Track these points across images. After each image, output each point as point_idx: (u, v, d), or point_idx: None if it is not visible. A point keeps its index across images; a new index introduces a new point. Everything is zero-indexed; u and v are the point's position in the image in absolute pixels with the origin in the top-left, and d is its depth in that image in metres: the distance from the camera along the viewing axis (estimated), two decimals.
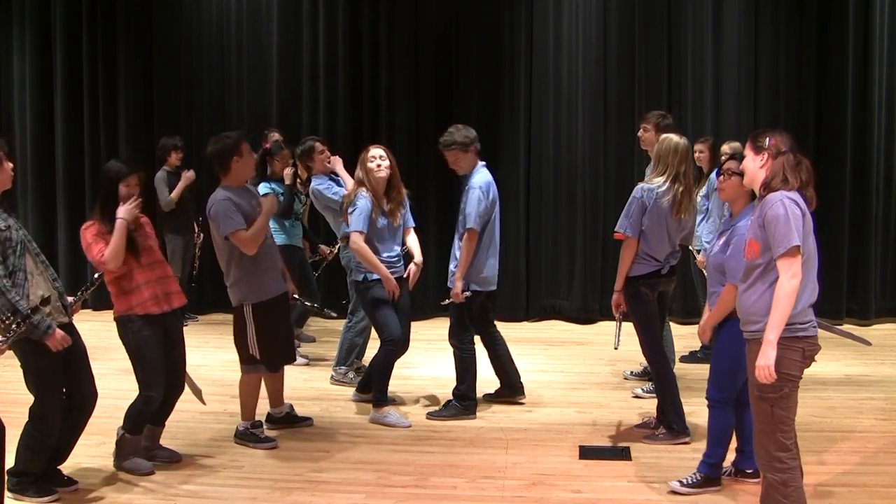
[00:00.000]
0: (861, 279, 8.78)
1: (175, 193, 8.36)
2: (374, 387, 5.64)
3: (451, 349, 5.79)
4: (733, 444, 4.54)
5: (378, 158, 5.52)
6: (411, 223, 5.82)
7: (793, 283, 3.44)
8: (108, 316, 4.71)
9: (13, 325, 3.95)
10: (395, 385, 6.08)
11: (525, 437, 5.33)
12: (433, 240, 8.77)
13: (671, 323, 6.42)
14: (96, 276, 4.41)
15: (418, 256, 5.72)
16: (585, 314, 8.95)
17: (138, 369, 4.63)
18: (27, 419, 4.26)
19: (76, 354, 4.38)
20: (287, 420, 5.45)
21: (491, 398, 6.03)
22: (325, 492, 4.50)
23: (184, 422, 5.38)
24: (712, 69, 8.82)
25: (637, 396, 6.13)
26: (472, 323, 5.75)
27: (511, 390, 6.02)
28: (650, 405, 5.68)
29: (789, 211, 3.47)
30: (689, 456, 4.94)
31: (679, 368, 6.41)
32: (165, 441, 4.94)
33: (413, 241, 5.80)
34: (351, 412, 5.86)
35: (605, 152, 8.99)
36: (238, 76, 9.46)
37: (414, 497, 4.43)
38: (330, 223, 6.57)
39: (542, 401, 6.10)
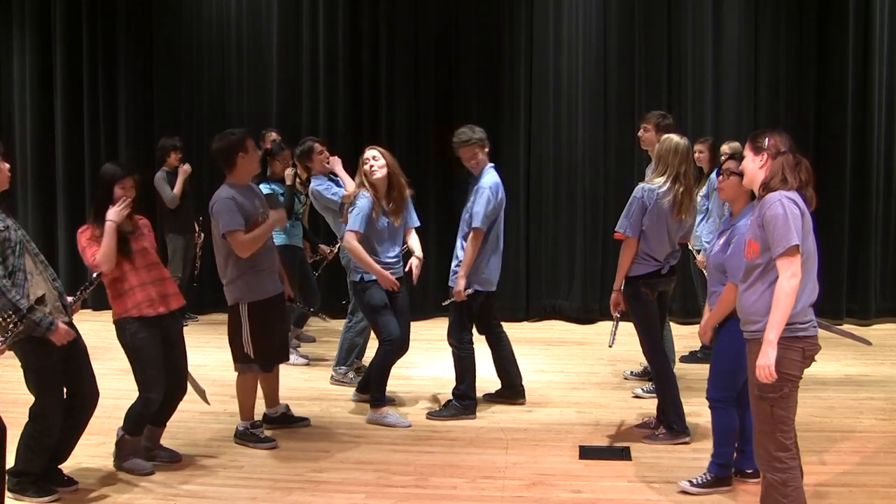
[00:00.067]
0: (861, 279, 8.78)
1: (177, 189, 8.39)
2: (372, 387, 5.64)
3: (450, 349, 5.79)
4: None
5: (372, 160, 5.52)
6: (414, 223, 5.81)
7: (792, 283, 3.44)
8: (108, 316, 4.71)
9: (12, 325, 3.95)
10: (395, 385, 6.09)
11: (525, 437, 5.33)
12: (433, 240, 8.77)
13: (671, 323, 6.42)
14: (94, 275, 4.42)
15: (419, 251, 5.72)
16: (585, 314, 8.95)
17: (137, 371, 4.63)
18: (27, 419, 4.27)
19: (76, 354, 4.38)
20: (283, 420, 5.45)
21: (491, 398, 6.03)
22: (325, 492, 4.50)
23: (184, 422, 5.38)
24: (712, 69, 8.82)
25: (637, 396, 6.13)
26: (472, 323, 5.76)
27: (511, 392, 6.02)
28: (650, 405, 5.67)
29: (788, 210, 3.48)
30: (689, 456, 4.95)
31: (679, 368, 6.41)
32: (165, 441, 4.94)
33: (414, 240, 5.80)
34: (351, 412, 5.86)
35: (605, 152, 8.99)
36: (238, 76, 9.46)
37: (414, 497, 4.43)
38: (329, 223, 6.57)
39: (542, 401, 6.10)
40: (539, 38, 9.05)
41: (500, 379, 6.05)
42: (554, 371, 6.98)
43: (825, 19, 8.73)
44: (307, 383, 6.58)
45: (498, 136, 8.95)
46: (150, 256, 4.67)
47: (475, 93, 9.12)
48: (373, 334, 5.87)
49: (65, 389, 4.38)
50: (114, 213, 4.47)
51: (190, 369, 4.97)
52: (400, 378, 6.23)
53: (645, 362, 6.09)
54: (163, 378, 4.64)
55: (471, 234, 5.56)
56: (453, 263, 5.73)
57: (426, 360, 7.05)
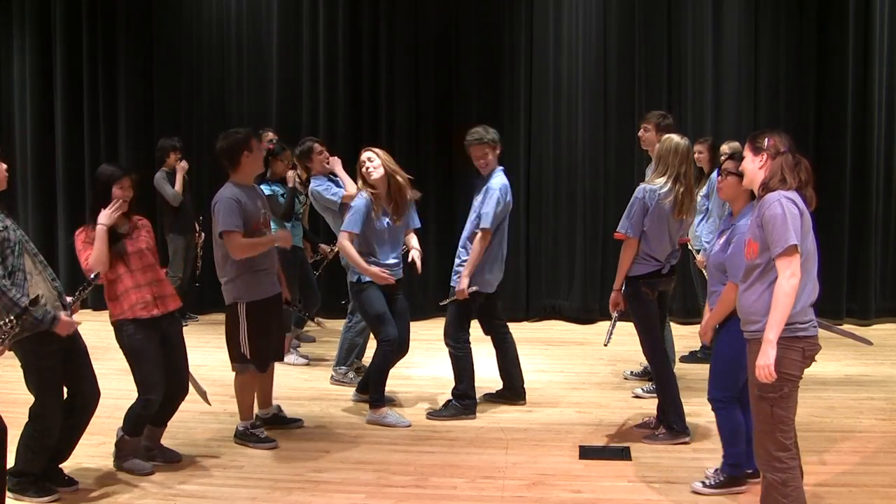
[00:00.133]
0: (861, 279, 8.78)
1: (178, 186, 8.41)
2: (370, 388, 5.64)
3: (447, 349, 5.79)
4: None
5: (367, 161, 5.53)
6: (415, 225, 5.82)
7: (791, 283, 3.44)
8: (108, 316, 4.71)
9: (10, 325, 3.96)
10: (395, 385, 6.09)
11: (525, 437, 5.33)
12: (433, 240, 8.78)
13: (671, 323, 6.42)
14: (92, 276, 4.42)
15: (416, 244, 5.74)
16: (585, 314, 8.95)
17: (135, 372, 4.63)
18: (27, 419, 4.27)
19: (76, 354, 4.39)
20: (275, 421, 5.42)
21: (491, 398, 6.03)
22: (325, 492, 4.50)
23: (183, 422, 5.38)
24: (712, 69, 8.82)
25: (637, 396, 6.13)
26: (469, 323, 5.76)
27: (512, 393, 6.02)
28: (650, 405, 5.67)
29: (787, 210, 3.48)
30: (689, 456, 4.95)
31: (679, 368, 6.41)
32: (165, 441, 4.94)
33: (413, 239, 5.81)
34: (351, 412, 5.86)
35: (605, 152, 8.99)
36: (238, 76, 9.46)
37: (414, 497, 4.43)
38: (329, 223, 6.57)
39: (542, 401, 6.10)
40: (539, 38, 9.05)
41: (502, 379, 6.05)
42: (554, 371, 6.98)
43: (825, 19, 8.73)
44: (307, 383, 6.58)
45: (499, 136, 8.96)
46: (147, 258, 4.65)
47: (475, 93, 9.12)
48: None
49: (65, 389, 4.39)
50: (105, 217, 4.47)
51: (191, 370, 4.97)
52: (400, 378, 6.23)
53: (645, 362, 6.09)
54: (162, 379, 4.63)
55: (479, 235, 5.57)
56: (456, 262, 5.73)
57: (426, 360, 7.05)
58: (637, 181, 6.46)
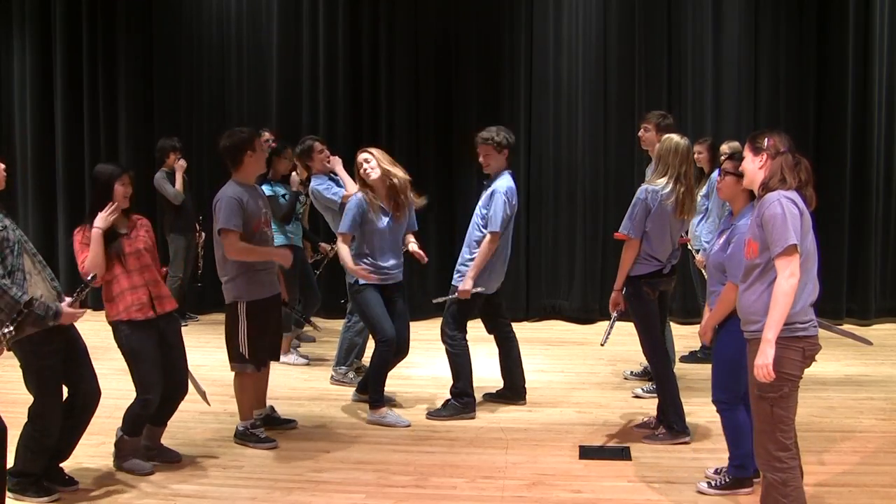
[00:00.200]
0: (861, 279, 8.78)
1: (178, 185, 8.42)
2: (369, 388, 5.64)
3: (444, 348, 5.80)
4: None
5: (364, 163, 5.54)
6: (413, 227, 5.82)
7: (791, 282, 3.44)
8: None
9: (11, 325, 3.97)
10: (395, 385, 6.09)
11: (525, 437, 5.33)
12: (433, 240, 8.77)
13: (671, 323, 6.42)
14: (89, 277, 4.41)
15: (416, 246, 5.75)
16: (585, 314, 8.95)
17: (134, 372, 4.63)
18: (27, 419, 4.26)
19: (76, 354, 4.39)
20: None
21: (491, 398, 6.03)
22: (325, 492, 4.50)
23: (183, 422, 5.38)
24: (712, 69, 8.82)
25: (637, 396, 6.13)
26: (466, 322, 5.77)
27: (513, 393, 6.02)
28: (650, 405, 5.68)
29: (786, 210, 3.48)
30: (689, 456, 4.95)
31: (679, 368, 6.41)
32: (164, 441, 4.94)
33: (412, 240, 5.81)
34: (351, 412, 5.86)
35: (605, 152, 8.99)
36: (238, 76, 9.46)
37: (414, 497, 4.43)
38: (329, 223, 6.57)
39: (542, 401, 6.09)
40: (539, 38, 9.05)
41: (504, 379, 6.05)
42: (554, 371, 6.98)
43: (825, 19, 8.73)
44: (307, 383, 6.58)
45: None
46: (145, 258, 4.64)
47: (475, 93, 9.12)
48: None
49: (66, 389, 4.39)
50: (100, 220, 4.46)
51: (191, 369, 4.98)
52: (400, 378, 6.23)
53: (645, 362, 6.09)
54: (160, 379, 4.63)
55: (487, 237, 5.58)
56: (459, 261, 5.73)
57: (426, 360, 7.05)
58: (637, 181, 6.47)
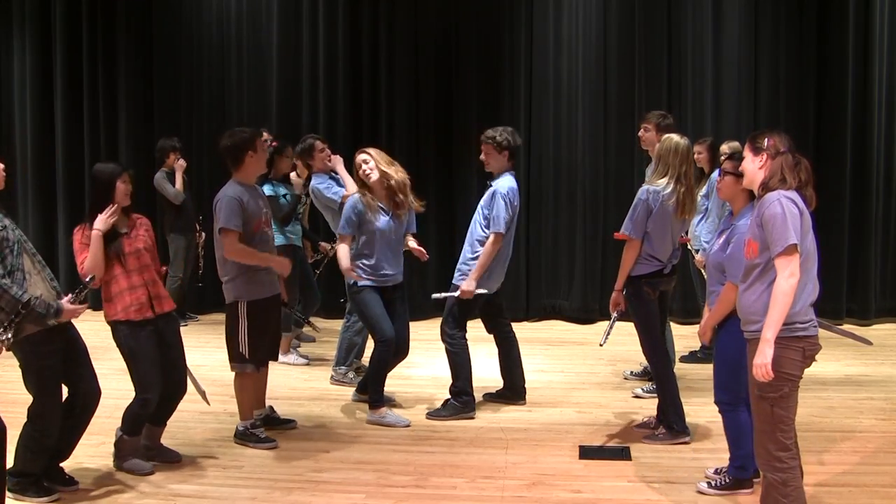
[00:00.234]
0: (861, 279, 8.78)
1: (178, 184, 8.42)
2: (369, 388, 5.65)
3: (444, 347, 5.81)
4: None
5: (363, 164, 5.54)
6: (412, 229, 5.82)
7: (791, 282, 3.44)
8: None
9: (11, 323, 3.98)
10: (395, 385, 6.09)
11: (525, 437, 5.33)
12: (433, 240, 8.76)
13: (671, 323, 6.42)
14: (88, 279, 4.40)
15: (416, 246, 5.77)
16: (585, 314, 8.95)
17: (132, 372, 4.62)
18: (26, 419, 4.26)
19: (76, 354, 4.39)
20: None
21: (491, 398, 6.03)
22: (325, 492, 4.50)
23: (183, 422, 5.38)
24: (712, 69, 8.82)
25: (637, 396, 6.13)
26: (466, 321, 5.77)
27: (513, 393, 6.02)
28: (650, 405, 5.68)
29: (786, 210, 3.48)
30: (689, 456, 4.95)
31: (679, 368, 6.41)
32: (164, 441, 4.93)
33: (411, 241, 5.81)
34: (351, 412, 5.86)
35: (605, 152, 8.99)
36: (238, 76, 9.46)
37: (414, 497, 4.43)
38: (329, 222, 6.57)
39: (542, 401, 6.09)
40: (539, 38, 9.05)
41: (503, 379, 6.05)
42: (554, 371, 6.98)
43: (825, 19, 8.73)
44: (307, 383, 6.58)
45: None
46: (144, 258, 4.64)
47: (475, 93, 9.12)
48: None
49: (66, 389, 4.39)
50: (100, 223, 4.45)
51: (191, 369, 4.98)
52: (400, 378, 6.23)
53: (645, 362, 6.09)
54: (159, 378, 4.63)
55: (491, 238, 5.58)
56: (460, 259, 5.73)
57: (426, 360, 7.05)
58: (637, 181, 6.47)
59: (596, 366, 7.09)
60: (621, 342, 5.56)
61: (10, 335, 3.98)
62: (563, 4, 9.00)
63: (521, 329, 8.43)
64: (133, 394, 4.67)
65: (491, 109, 9.02)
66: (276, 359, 5.53)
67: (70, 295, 4.28)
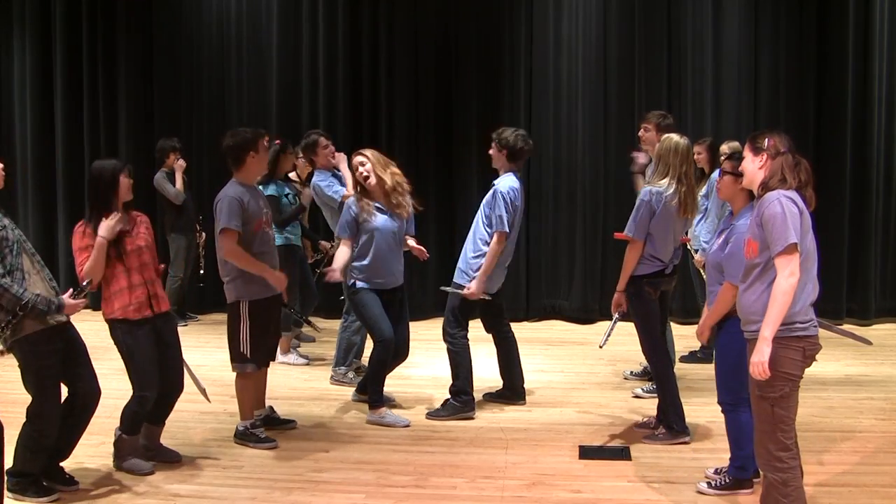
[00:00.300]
0: (861, 279, 8.78)
1: (178, 184, 8.43)
2: (368, 388, 5.65)
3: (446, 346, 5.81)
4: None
5: (360, 166, 5.53)
6: (411, 232, 5.81)
7: (790, 281, 3.44)
8: None
9: (9, 323, 3.99)
10: (395, 385, 6.09)
11: (525, 437, 5.33)
12: (433, 240, 8.76)
13: (671, 323, 6.42)
14: (85, 283, 4.39)
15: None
16: (585, 314, 8.95)
17: (130, 369, 4.62)
18: (25, 419, 4.27)
19: (75, 353, 4.39)
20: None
21: (491, 398, 6.03)
22: (325, 492, 4.50)
23: (183, 422, 5.38)
24: (712, 68, 8.82)
25: (637, 396, 6.13)
26: (467, 321, 5.77)
27: (512, 393, 6.02)
28: (650, 405, 5.68)
29: (786, 209, 3.48)
30: (689, 456, 4.95)
31: (679, 368, 6.41)
32: (164, 441, 4.93)
33: (411, 242, 5.81)
34: (351, 412, 5.86)
35: (605, 152, 8.99)
36: (238, 76, 9.46)
37: (414, 497, 4.43)
38: (327, 219, 6.56)
39: (542, 401, 6.09)
40: (539, 38, 9.05)
41: (503, 379, 6.05)
42: (554, 371, 6.98)
43: (825, 16, 8.73)
44: (307, 383, 6.58)
45: None
46: (145, 256, 4.64)
47: (475, 93, 9.12)
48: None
49: (66, 389, 4.38)
50: (106, 230, 4.44)
51: (192, 367, 4.97)
52: (399, 378, 6.23)
53: (645, 362, 6.09)
54: (156, 376, 4.63)
55: (494, 238, 5.58)
56: (462, 257, 5.73)
57: (426, 360, 7.05)
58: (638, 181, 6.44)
59: (596, 366, 7.09)
60: (621, 342, 5.56)
61: (7, 334, 3.99)
62: (563, 4, 9.00)
63: (521, 329, 8.44)
64: (132, 393, 4.67)
65: (491, 109, 9.02)
66: (274, 359, 5.54)
67: (71, 290, 4.28)
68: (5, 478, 3.84)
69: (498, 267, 5.73)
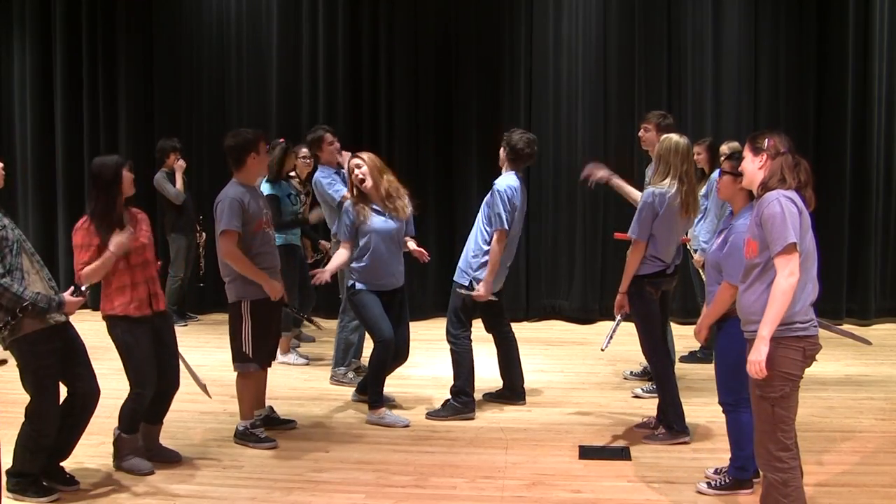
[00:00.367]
0: (861, 279, 8.78)
1: (178, 184, 8.44)
2: (368, 388, 5.65)
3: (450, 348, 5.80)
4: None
5: (356, 168, 5.52)
6: (411, 233, 5.81)
7: (790, 281, 3.44)
8: None
9: (7, 323, 3.99)
10: (395, 385, 6.09)
11: (525, 437, 5.33)
12: (433, 240, 8.77)
13: (671, 323, 6.41)
14: (84, 287, 4.38)
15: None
16: (585, 314, 8.96)
17: (127, 366, 4.61)
18: (24, 419, 4.27)
19: (74, 353, 4.38)
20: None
21: (491, 398, 6.03)
22: (325, 492, 4.50)
23: (183, 422, 5.38)
24: (712, 69, 8.82)
25: (637, 396, 6.13)
26: (470, 320, 5.77)
27: (512, 394, 6.01)
28: (650, 405, 5.67)
29: (785, 209, 3.48)
30: (689, 456, 4.95)
31: (679, 368, 6.41)
32: (164, 441, 4.93)
33: (411, 243, 5.80)
34: (351, 412, 5.86)
35: (605, 152, 8.97)
36: (238, 76, 9.46)
37: (414, 497, 4.43)
38: (325, 217, 6.56)
39: (542, 401, 6.10)
40: (539, 38, 9.05)
41: (503, 379, 6.05)
42: (554, 371, 6.98)
43: (825, 16, 8.73)
44: (307, 383, 6.58)
45: (498, 136, 8.89)
46: (147, 254, 4.64)
47: (475, 93, 9.12)
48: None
49: (65, 388, 4.38)
50: (118, 246, 4.43)
51: (191, 364, 4.97)
52: (399, 378, 6.23)
53: (645, 362, 6.09)
54: (153, 374, 4.63)
55: (495, 236, 5.58)
56: (463, 256, 5.73)
57: (426, 360, 7.05)
58: (637, 181, 6.46)
59: (596, 366, 7.09)
60: (621, 342, 5.55)
61: (6, 334, 3.99)
62: (563, 4, 9.00)
63: (521, 329, 8.44)
64: (129, 391, 4.66)
65: (491, 109, 9.02)
66: (274, 358, 5.54)
67: (72, 288, 4.28)
68: (4, 478, 3.84)
69: (500, 266, 5.73)
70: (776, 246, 3.46)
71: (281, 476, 4.71)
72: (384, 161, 5.71)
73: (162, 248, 8.08)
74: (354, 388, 6.12)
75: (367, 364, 6.02)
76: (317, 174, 6.45)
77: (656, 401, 5.38)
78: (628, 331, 5.46)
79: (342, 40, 9.18)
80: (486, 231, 5.64)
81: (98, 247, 4.44)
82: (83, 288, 4.30)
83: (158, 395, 4.70)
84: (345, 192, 6.19)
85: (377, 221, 5.49)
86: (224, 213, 4.92)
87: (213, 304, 8.93)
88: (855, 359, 7.11)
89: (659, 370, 5.26)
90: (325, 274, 5.44)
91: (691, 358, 7.00)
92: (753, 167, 3.71)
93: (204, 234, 8.42)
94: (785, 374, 3.50)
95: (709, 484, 4.44)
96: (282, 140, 7.03)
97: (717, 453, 4.83)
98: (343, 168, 6.39)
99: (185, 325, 8.58)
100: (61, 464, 4.48)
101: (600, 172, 5.99)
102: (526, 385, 6.07)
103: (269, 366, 5.31)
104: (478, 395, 5.88)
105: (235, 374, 5.18)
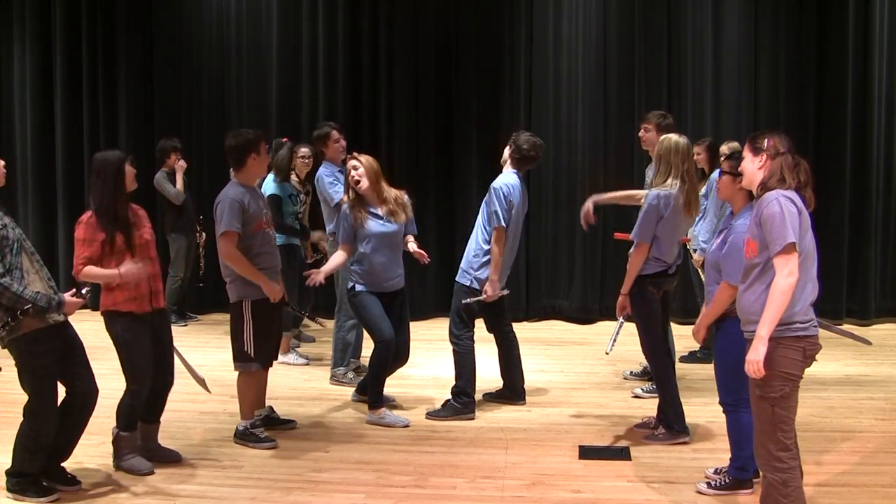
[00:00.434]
0: (861, 279, 8.78)
1: (179, 184, 8.45)
2: (368, 389, 5.65)
3: (451, 348, 5.80)
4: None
5: (353, 170, 5.52)
6: (413, 231, 5.81)
7: (789, 281, 3.44)
8: None
9: (6, 323, 3.99)
10: (395, 385, 6.09)
11: (525, 437, 5.33)
12: (433, 240, 8.77)
13: (671, 323, 6.41)
14: (85, 290, 4.37)
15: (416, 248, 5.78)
16: (585, 314, 8.96)
17: (124, 362, 4.61)
18: (23, 418, 4.27)
19: (73, 353, 4.38)
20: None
21: (491, 398, 6.03)
22: (325, 492, 4.50)
23: (183, 422, 5.39)
24: (712, 69, 8.83)
25: (637, 396, 6.13)
26: (472, 320, 5.77)
27: (512, 394, 6.01)
28: (650, 405, 5.67)
29: (785, 209, 3.48)
30: (689, 456, 4.95)
31: (679, 368, 6.39)
32: (164, 441, 4.93)
33: (410, 240, 5.80)
34: (351, 412, 5.86)
35: (605, 152, 8.99)
36: (238, 76, 9.46)
37: (414, 497, 4.43)
38: (324, 215, 6.56)
39: (542, 401, 6.10)
40: (539, 38, 9.05)
41: (503, 378, 6.05)
42: (554, 371, 6.98)
43: (825, 16, 8.73)
44: (307, 383, 6.58)
45: (498, 136, 8.93)
46: (150, 251, 4.65)
47: (475, 92, 9.12)
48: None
49: (64, 388, 4.38)
50: (128, 275, 4.43)
51: (190, 361, 4.97)
52: (400, 378, 6.22)
53: (645, 362, 6.09)
54: (149, 371, 4.62)
55: (493, 235, 5.58)
56: (465, 255, 5.73)
57: (426, 361, 7.05)
58: (637, 181, 6.46)
59: (596, 366, 7.09)
60: (622, 342, 5.54)
61: (5, 333, 3.98)
62: (563, 4, 9.00)
63: (521, 329, 8.42)
64: (125, 388, 4.66)
65: (491, 109, 9.02)
66: (276, 357, 5.55)
67: (74, 290, 4.28)
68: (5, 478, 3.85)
69: (504, 263, 5.72)
70: (775, 246, 3.46)
71: (281, 476, 4.71)
72: (380, 165, 5.69)
73: (162, 248, 8.06)
74: (354, 389, 6.12)
75: (366, 364, 6.02)
76: (320, 170, 6.43)
77: (656, 401, 5.38)
78: (629, 331, 5.45)
79: (342, 40, 9.18)
80: (487, 230, 5.65)
81: (102, 242, 4.43)
82: (84, 290, 4.30)
83: (154, 392, 4.70)
84: (343, 195, 6.18)
85: (375, 225, 5.48)
86: (224, 213, 4.92)
87: (213, 304, 8.94)
88: (855, 359, 7.12)
89: (659, 370, 5.26)
90: (319, 275, 5.45)
91: (691, 358, 7.00)
92: (753, 167, 3.71)
93: (204, 234, 8.42)
94: (785, 374, 3.50)
95: (709, 484, 4.44)
96: (286, 139, 7.03)
97: (717, 453, 4.83)
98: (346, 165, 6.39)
99: (185, 325, 8.58)
100: (62, 465, 4.48)
101: (587, 206, 6.02)
102: (526, 385, 6.07)
103: (271, 365, 5.32)
104: (478, 395, 5.88)
105: (236, 373, 5.18)
